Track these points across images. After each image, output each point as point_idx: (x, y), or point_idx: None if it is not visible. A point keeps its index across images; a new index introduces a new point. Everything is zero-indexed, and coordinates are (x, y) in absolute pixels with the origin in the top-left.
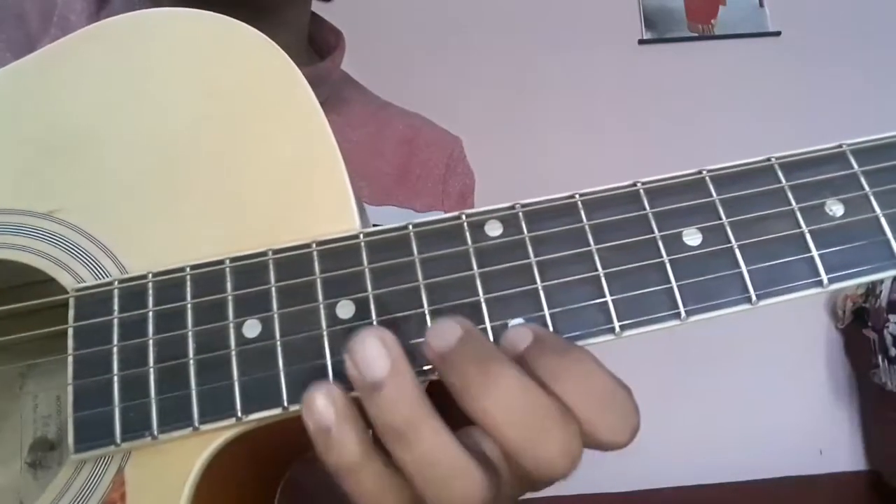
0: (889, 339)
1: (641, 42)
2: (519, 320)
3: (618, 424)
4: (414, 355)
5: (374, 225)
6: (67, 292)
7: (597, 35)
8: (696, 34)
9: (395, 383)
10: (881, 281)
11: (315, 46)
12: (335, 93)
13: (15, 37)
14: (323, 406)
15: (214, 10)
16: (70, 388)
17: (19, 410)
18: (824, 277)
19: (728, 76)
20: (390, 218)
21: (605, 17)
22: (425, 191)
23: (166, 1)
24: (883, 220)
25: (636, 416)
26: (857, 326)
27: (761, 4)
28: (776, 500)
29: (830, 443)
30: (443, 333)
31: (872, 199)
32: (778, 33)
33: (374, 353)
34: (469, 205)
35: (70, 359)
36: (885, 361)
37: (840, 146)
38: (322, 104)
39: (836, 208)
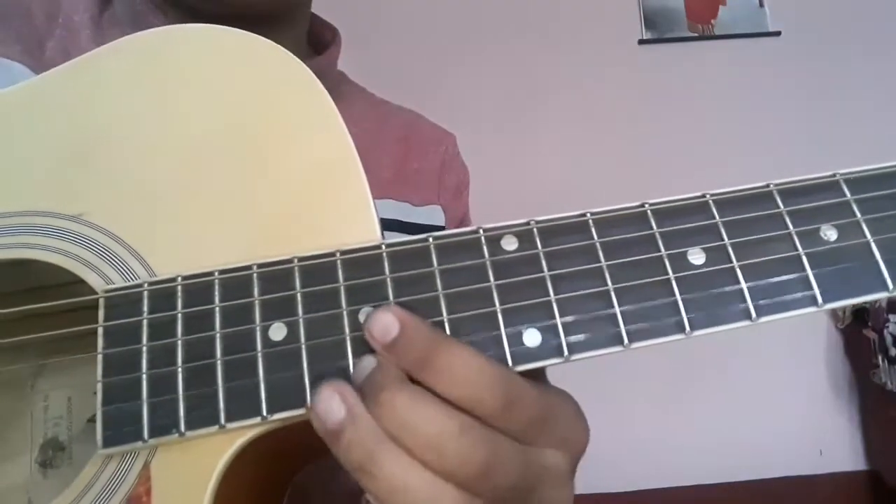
0: (889, 339)
1: (641, 42)
2: (533, 330)
3: (487, 401)
4: None
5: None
6: (95, 293)
7: (597, 35)
8: (696, 34)
9: (352, 428)
10: None
11: (312, 44)
12: (334, 88)
13: (24, 32)
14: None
15: (219, 20)
16: (99, 385)
17: (29, 409)
18: (819, 297)
19: (728, 76)
20: (388, 210)
21: (605, 17)
22: (422, 185)
23: (170, 9)
24: (874, 246)
25: (503, 386)
26: (857, 326)
27: (761, 4)
28: (776, 500)
29: (830, 443)
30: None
31: (864, 225)
32: (778, 33)
33: (332, 404)
34: (464, 199)
35: (100, 357)
36: (885, 361)
37: (834, 175)
38: None
39: (830, 233)
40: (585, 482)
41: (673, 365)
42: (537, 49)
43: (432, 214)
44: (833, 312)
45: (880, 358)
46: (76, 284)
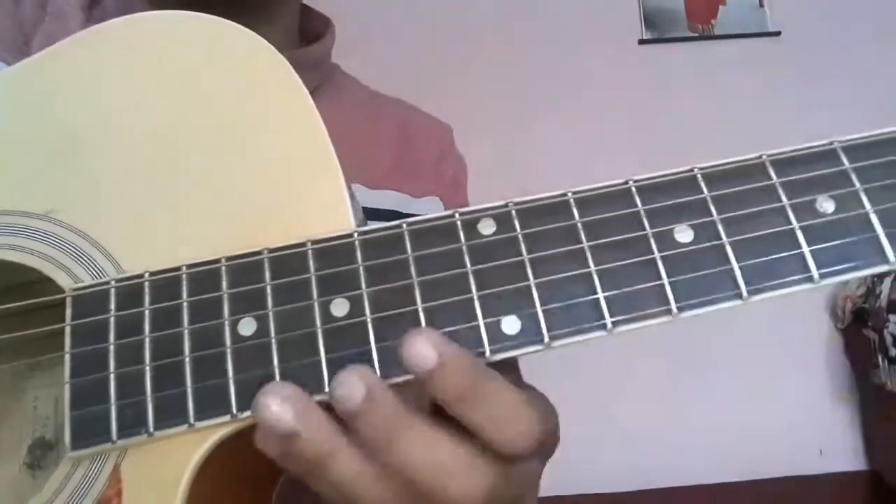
0: (889, 339)
1: (641, 42)
2: (512, 317)
3: (517, 440)
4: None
5: (367, 211)
6: (64, 292)
7: (597, 35)
8: (696, 34)
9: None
10: (881, 281)
11: (304, 35)
12: (328, 78)
13: (7, 23)
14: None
15: (204, 10)
16: (67, 387)
17: (20, 410)
18: (815, 273)
19: (728, 76)
20: (388, 201)
21: (605, 17)
22: (421, 176)
23: None
24: (873, 217)
25: (539, 426)
26: (857, 326)
27: (761, 4)
28: (776, 500)
29: (830, 443)
30: (348, 390)
31: (863, 195)
32: (778, 33)
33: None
34: (462, 190)
35: (67, 357)
36: (885, 361)
37: (831, 143)
38: (316, 89)
39: (826, 205)
40: (586, 482)
41: (672, 364)
42: (537, 49)
43: (432, 205)
44: (833, 312)
45: (880, 358)
46: (52, 282)
